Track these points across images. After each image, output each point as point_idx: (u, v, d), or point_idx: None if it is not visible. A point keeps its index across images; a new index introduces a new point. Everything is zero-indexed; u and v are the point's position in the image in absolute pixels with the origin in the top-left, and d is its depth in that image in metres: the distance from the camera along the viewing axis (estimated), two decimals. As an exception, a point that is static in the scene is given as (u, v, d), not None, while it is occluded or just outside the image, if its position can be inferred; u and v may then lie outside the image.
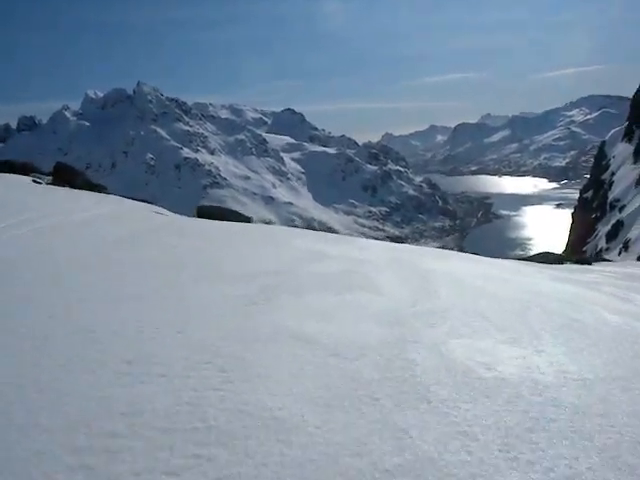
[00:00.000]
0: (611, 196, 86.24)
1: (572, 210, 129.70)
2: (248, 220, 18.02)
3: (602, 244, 78.59)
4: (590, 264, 20.62)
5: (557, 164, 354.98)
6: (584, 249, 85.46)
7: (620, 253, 69.33)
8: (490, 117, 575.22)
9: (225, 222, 12.58)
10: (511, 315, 5.08)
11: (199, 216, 16.82)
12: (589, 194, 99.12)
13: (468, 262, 9.43)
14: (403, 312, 4.89)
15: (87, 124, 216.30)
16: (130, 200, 15.20)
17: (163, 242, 7.74)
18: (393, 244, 13.85)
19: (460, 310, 5.07)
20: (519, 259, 20.41)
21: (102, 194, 14.23)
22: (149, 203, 16.41)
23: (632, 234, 68.88)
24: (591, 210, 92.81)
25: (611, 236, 76.60)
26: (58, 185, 15.60)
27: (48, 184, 15.68)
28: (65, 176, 16.26)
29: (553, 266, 15.52)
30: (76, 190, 14.19)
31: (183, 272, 6.08)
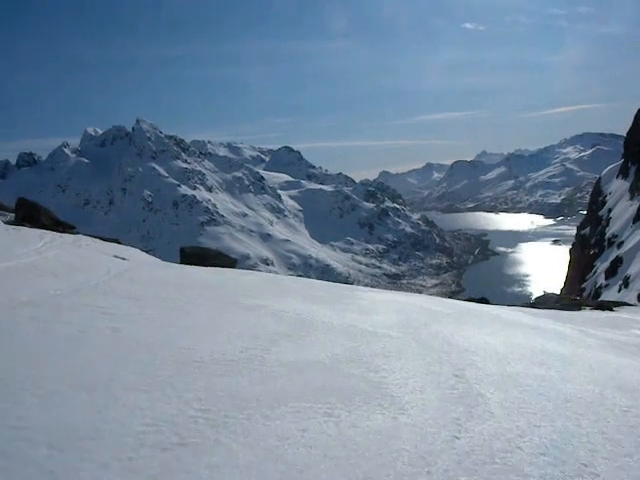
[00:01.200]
0: (609, 232, 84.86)
1: (569, 246, 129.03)
2: (234, 263, 16.20)
3: (601, 281, 76.88)
4: (611, 309, 18.81)
5: (553, 201, 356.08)
6: (583, 286, 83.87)
7: (620, 290, 67.62)
8: (486, 155, 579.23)
9: (200, 269, 10.61)
10: (629, 460, 2.89)
11: (182, 257, 15.23)
12: (587, 230, 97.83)
13: (503, 327, 7.36)
14: (442, 459, 2.71)
15: (86, 161, 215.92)
16: (93, 239, 13.20)
17: (84, 306, 5.46)
18: (403, 297, 11.54)
19: (535, 447, 2.91)
20: (533, 305, 18.34)
21: (60, 234, 12.27)
22: (118, 243, 14.55)
23: (631, 270, 67.26)
24: (589, 246, 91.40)
25: (610, 273, 74.87)
26: (18, 223, 13.77)
27: (7, 222, 13.82)
28: (27, 213, 14.50)
29: (576, 314, 13.66)
30: (34, 229, 12.24)
31: (68, 370, 3.66)
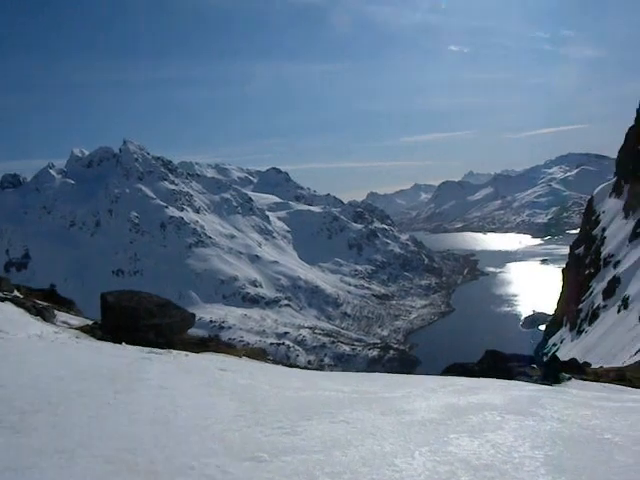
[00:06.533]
0: (604, 252, 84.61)
1: (557, 266, 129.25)
2: (189, 321, 11.16)
3: (599, 301, 76.31)
4: None
5: (540, 220, 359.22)
6: (579, 307, 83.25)
7: (619, 311, 67.02)
8: (473, 175, 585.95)
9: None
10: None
11: (104, 311, 10.81)
12: (580, 250, 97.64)
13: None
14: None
15: (72, 182, 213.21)
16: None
17: None
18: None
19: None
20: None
21: None
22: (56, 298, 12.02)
23: (630, 290, 66.65)
24: (584, 266, 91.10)
25: (608, 293, 74.36)
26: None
27: None
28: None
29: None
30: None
31: None
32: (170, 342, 9.41)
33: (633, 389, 10.70)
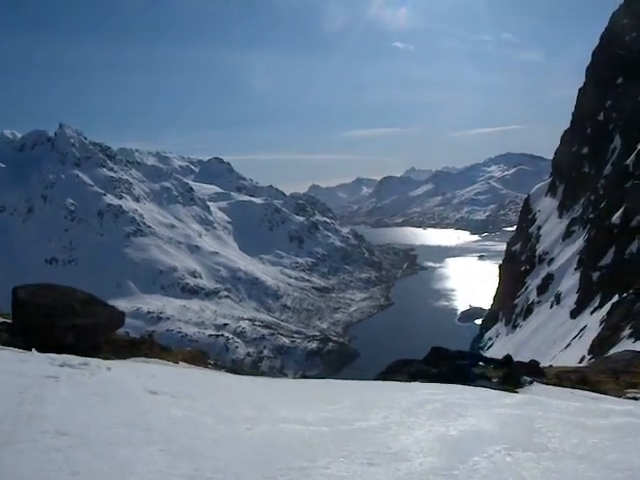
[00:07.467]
0: (539, 249, 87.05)
1: (494, 261, 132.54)
2: (117, 319, 9.75)
3: (533, 297, 78.48)
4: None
5: (478, 217, 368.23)
6: (514, 302, 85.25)
7: (552, 306, 68.96)
8: (414, 171, 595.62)
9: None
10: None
11: (16, 308, 8.99)
12: (517, 247, 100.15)
13: None
14: None
15: (2, 165, 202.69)
16: None
17: None
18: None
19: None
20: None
21: None
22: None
23: (563, 287, 68.76)
24: (519, 263, 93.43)
25: (542, 289, 76.51)
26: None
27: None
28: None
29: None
30: None
31: None
32: (94, 345, 7.98)
33: (600, 395, 10.22)
